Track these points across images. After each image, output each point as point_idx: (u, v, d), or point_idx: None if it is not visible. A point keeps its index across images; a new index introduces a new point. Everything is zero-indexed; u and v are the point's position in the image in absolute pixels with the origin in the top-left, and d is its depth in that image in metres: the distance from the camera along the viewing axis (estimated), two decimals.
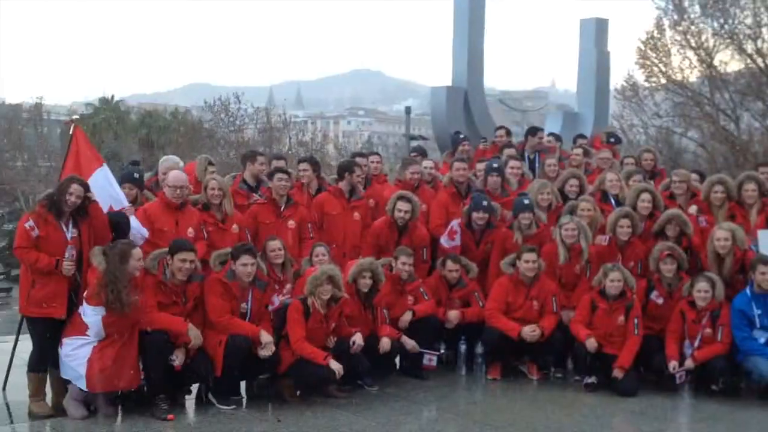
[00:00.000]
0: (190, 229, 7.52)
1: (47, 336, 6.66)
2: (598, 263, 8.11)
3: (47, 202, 6.58)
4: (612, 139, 12.05)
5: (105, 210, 6.97)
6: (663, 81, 28.08)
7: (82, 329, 6.47)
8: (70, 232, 6.65)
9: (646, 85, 29.00)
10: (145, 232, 7.22)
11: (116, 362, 6.41)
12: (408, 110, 36.76)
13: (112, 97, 63.48)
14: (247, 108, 56.12)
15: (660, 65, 27.91)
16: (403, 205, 8.38)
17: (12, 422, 6.52)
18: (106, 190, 7.16)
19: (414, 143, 37.97)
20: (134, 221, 7.16)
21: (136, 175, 8.10)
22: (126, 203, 7.29)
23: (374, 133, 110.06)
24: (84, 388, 6.42)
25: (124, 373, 6.47)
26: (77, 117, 7.98)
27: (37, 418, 6.55)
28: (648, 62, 27.84)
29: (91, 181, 7.00)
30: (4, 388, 7.37)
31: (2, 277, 52.12)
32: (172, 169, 8.29)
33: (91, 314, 6.41)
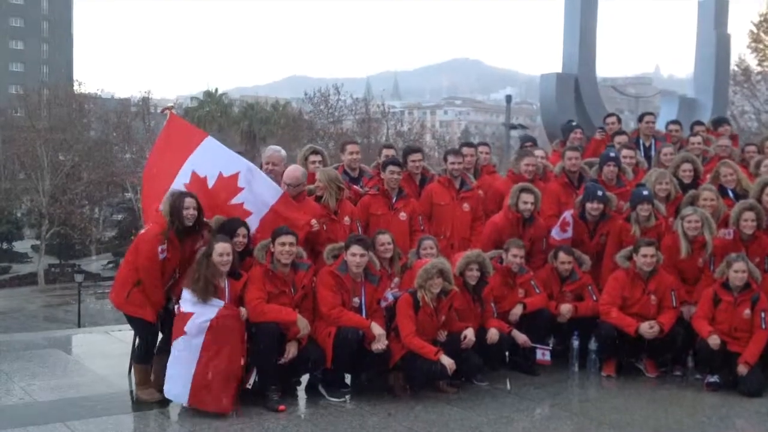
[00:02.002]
0: (314, 221, 7.46)
1: (148, 332, 6.79)
2: (722, 256, 7.69)
3: (175, 228, 6.63)
4: (721, 126, 11.38)
5: (214, 179, 6.98)
6: None
7: (181, 328, 6.48)
8: (181, 251, 6.75)
9: (759, 69, 27.69)
10: (279, 190, 7.30)
11: (221, 378, 6.39)
12: (509, 99, 36.24)
13: (216, 90, 65.01)
14: (346, 99, 56.68)
15: None
16: (527, 197, 8.16)
17: (133, 410, 6.64)
18: (217, 158, 7.16)
19: (514, 132, 37.55)
20: (262, 182, 7.20)
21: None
22: (241, 166, 7.22)
23: (471, 122, 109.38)
24: (185, 403, 6.43)
25: (228, 389, 6.44)
26: (172, 105, 7.98)
27: (146, 405, 6.63)
28: (761, 46, 26.59)
29: (201, 151, 7.05)
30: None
31: (111, 265, 54.35)
32: (268, 156, 8.22)
33: (187, 298, 6.44)
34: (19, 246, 56.92)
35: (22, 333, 13.75)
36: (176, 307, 6.57)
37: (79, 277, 39.79)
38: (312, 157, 8.54)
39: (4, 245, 55.45)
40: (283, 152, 8.36)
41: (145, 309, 6.67)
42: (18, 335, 11.59)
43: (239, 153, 8.83)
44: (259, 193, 7.24)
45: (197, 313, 6.38)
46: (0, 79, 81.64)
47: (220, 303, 6.47)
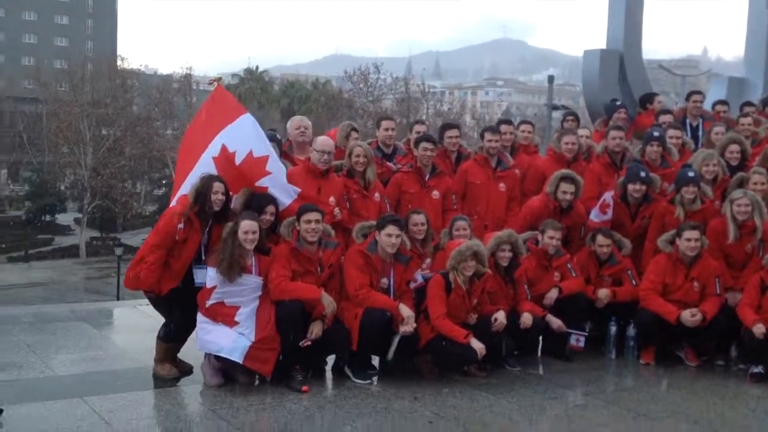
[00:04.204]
0: (332, 198, 7.24)
1: (174, 308, 6.63)
2: None
3: (199, 207, 6.41)
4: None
5: (243, 155, 6.78)
6: None
7: (204, 300, 6.39)
8: (205, 235, 6.54)
9: None
10: (295, 189, 7.03)
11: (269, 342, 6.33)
12: (551, 79, 35.55)
13: (257, 67, 65.30)
14: (386, 78, 56.39)
15: None
16: (567, 187, 7.83)
17: (154, 387, 6.50)
18: (251, 136, 6.95)
19: (556, 114, 36.91)
20: (282, 178, 7.01)
21: (278, 136, 7.90)
22: (269, 150, 7.02)
23: (513, 103, 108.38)
24: (240, 360, 6.27)
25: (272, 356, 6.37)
26: (220, 77, 7.78)
27: (165, 382, 6.51)
28: None
29: (236, 125, 6.86)
30: None
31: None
32: (289, 127, 8.02)
33: (211, 274, 6.32)
34: (62, 219, 57.78)
35: (48, 305, 13.78)
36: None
37: (118, 250, 40.21)
38: (354, 134, 8.35)
39: (48, 218, 56.30)
40: (307, 120, 8.35)
41: (154, 284, 6.47)
42: (45, 307, 11.61)
43: (272, 130, 8.68)
44: (281, 186, 7.01)
45: (227, 290, 6.31)
46: (45, 53, 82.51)
47: (254, 278, 6.39)
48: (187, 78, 62.43)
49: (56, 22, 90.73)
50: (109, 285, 39.32)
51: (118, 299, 32.09)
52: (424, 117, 49.13)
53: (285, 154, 7.97)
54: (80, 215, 52.61)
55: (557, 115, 38.10)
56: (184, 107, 59.74)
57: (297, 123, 8.09)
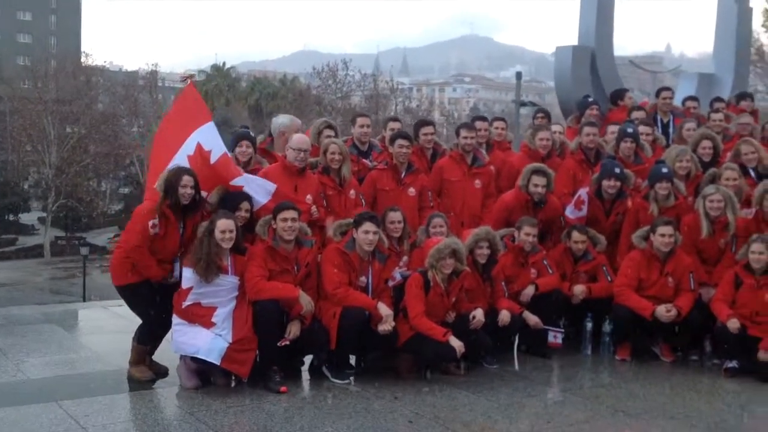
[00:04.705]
0: (309, 196, 7.18)
1: (150, 309, 6.53)
2: (745, 237, 7.39)
3: (170, 201, 6.32)
4: (744, 100, 11.01)
5: (218, 155, 6.72)
6: None
7: (180, 302, 6.31)
8: (181, 229, 6.46)
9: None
10: (272, 186, 6.94)
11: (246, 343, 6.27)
12: (519, 76, 35.76)
13: (224, 64, 64.76)
14: (355, 75, 56.30)
15: None
16: (539, 180, 7.83)
17: (129, 390, 6.40)
18: (218, 139, 6.88)
19: (524, 110, 37.10)
20: (257, 178, 6.95)
21: (252, 134, 7.81)
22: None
23: (480, 100, 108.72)
24: (217, 362, 6.20)
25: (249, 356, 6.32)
26: (194, 74, 7.68)
27: (140, 385, 6.41)
28: None
29: (207, 127, 6.80)
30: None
31: (117, 239, 54.29)
32: (287, 126, 8.02)
33: (187, 275, 6.26)
34: (26, 218, 56.83)
35: (17, 306, 13.51)
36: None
37: (84, 250, 39.70)
38: (327, 131, 8.21)
39: (11, 217, 55.34)
40: (298, 120, 8.38)
41: (127, 275, 6.41)
42: (14, 309, 11.39)
43: (245, 127, 8.58)
44: (257, 185, 6.93)
45: (203, 291, 6.24)
46: (7, 50, 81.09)
47: (231, 278, 6.32)
48: (153, 75, 61.82)
49: (19, 18, 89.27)
50: (74, 285, 38.78)
51: (84, 300, 31.68)
52: (393, 113, 49.12)
53: (263, 151, 7.91)
54: (44, 214, 51.80)
55: (524, 111, 38.34)
56: (150, 104, 59.14)
57: (277, 125, 8.10)
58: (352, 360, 7.03)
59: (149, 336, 6.56)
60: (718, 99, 10.72)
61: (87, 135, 52.30)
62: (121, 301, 8.12)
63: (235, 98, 60.61)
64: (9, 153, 55.17)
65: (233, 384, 6.47)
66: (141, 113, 57.50)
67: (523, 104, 34.90)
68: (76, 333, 8.32)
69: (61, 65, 59.09)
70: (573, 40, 12.78)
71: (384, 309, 6.54)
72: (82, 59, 64.90)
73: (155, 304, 6.51)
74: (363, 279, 6.72)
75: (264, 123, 47.28)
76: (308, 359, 6.97)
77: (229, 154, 6.92)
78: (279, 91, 59.55)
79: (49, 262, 47.37)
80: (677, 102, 10.85)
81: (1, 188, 52.77)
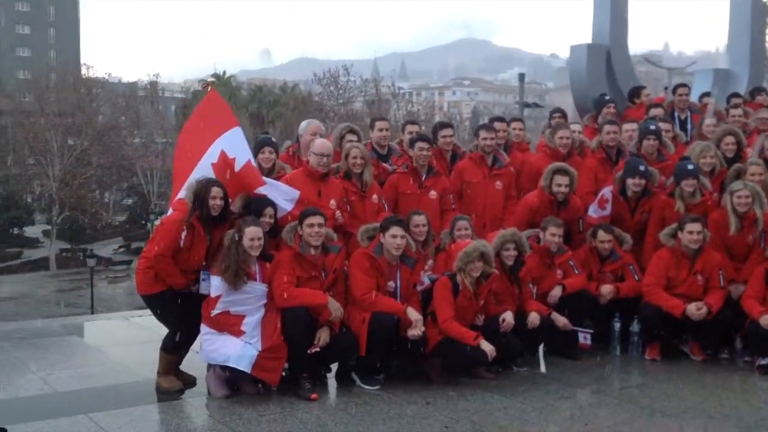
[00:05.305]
0: (332, 201, 7.10)
1: (177, 318, 6.45)
2: None
3: (199, 213, 6.24)
4: (759, 95, 10.95)
5: (243, 163, 6.65)
6: None
7: (209, 310, 6.23)
8: (209, 240, 6.37)
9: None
10: (295, 193, 6.87)
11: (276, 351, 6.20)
12: (522, 77, 35.74)
13: (224, 72, 64.63)
14: (356, 80, 56.26)
15: None
16: (561, 179, 7.74)
17: (158, 400, 6.32)
18: (248, 145, 6.84)
19: (527, 111, 36.99)
20: (281, 185, 6.88)
21: (274, 140, 7.74)
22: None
23: (480, 102, 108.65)
24: (248, 370, 6.12)
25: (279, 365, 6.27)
26: (213, 79, 7.61)
27: (167, 394, 6.33)
28: None
29: (234, 132, 6.74)
30: None
31: (122, 250, 54.23)
32: (303, 129, 8.00)
33: (216, 283, 6.18)
34: (30, 231, 56.81)
35: (37, 319, 13.45)
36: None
37: (91, 262, 39.58)
38: (349, 136, 8.11)
39: (15, 230, 55.32)
40: (323, 128, 8.35)
41: (152, 284, 6.35)
42: (33, 322, 11.30)
43: (265, 133, 8.52)
44: (280, 192, 6.87)
45: (232, 299, 6.16)
46: (7, 64, 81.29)
47: (259, 286, 6.25)
48: (154, 85, 61.84)
49: (18, 32, 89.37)
50: (81, 297, 38.70)
51: (92, 312, 31.59)
52: (394, 118, 49.05)
53: (292, 156, 7.87)
54: (49, 227, 51.76)
55: (528, 113, 38.24)
56: (151, 115, 59.14)
57: (310, 130, 8.06)
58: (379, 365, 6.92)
59: (177, 345, 6.47)
60: (736, 94, 10.65)
61: (89, 147, 52.30)
62: (143, 312, 8.11)
63: (236, 107, 60.50)
64: (12, 166, 55.17)
65: (261, 392, 6.38)
66: (143, 124, 57.48)
67: (527, 105, 34.86)
68: (99, 344, 8.20)
69: (62, 78, 59.13)
70: (571, 40, 12.83)
71: (414, 314, 6.46)
72: (83, 71, 64.93)
73: (182, 313, 6.42)
74: (391, 284, 6.64)
75: (266, 131, 47.33)
76: (334, 365, 6.88)
77: (253, 162, 6.84)
78: (280, 99, 59.46)
79: (54, 275, 47.30)
80: (693, 98, 10.78)
81: (4, 202, 52.77)
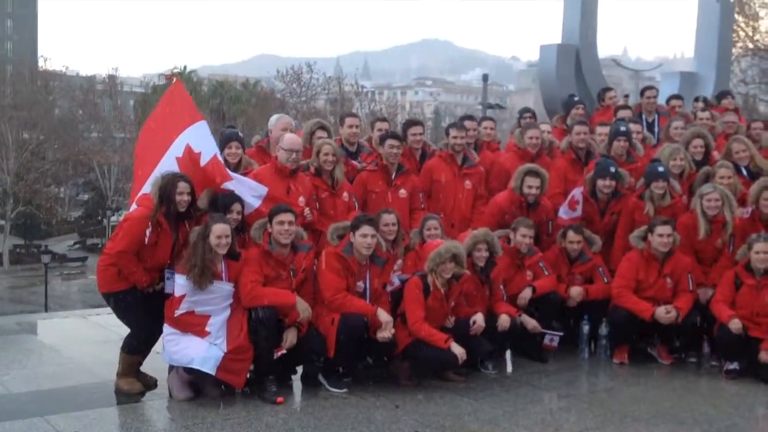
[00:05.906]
0: (302, 198, 6.94)
1: (139, 318, 6.23)
2: (740, 237, 7.32)
3: (165, 209, 6.03)
4: (725, 98, 11.00)
5: (209, 157, 6.44)
6: (750, 46, 26.80)
7: (173, 310, 6.02)
8: (174, 237, 6.16)
9: (732, 50, 27.76)
10: (263, 189, 6.68)
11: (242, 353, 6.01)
12: (485, 78, 35.77)
13: (185, 68, 63.78)
14: (319, 78, 55.90)
15: (747, 30, 26.61)
16: (532, 181, 7.66)
17: (118, 402, 6.09)
18: (213, 140, 6.65)
19: (490, 113, 37.05)
20: (248, 180, 6.69)
21: (240, 134, 7.54)
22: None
23: (442, 103, 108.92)
24: (212, 372, 5.91)
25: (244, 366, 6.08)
26: (178, 71, 7.40)
27: (130, 398, 6.11)
28: (734, 26, 26.62)
29: (199, 126, 6.54)
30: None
31: (78, 246, 53.31)
32: (272, 124, 7.85)
33: (180, 282, 5.97)
34: None
35: None
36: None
37: (46, 258, 38.77)
38: (319, 133, 7.92)
39: None
40: (294, 123, 8.28)
41: (114, 282, 6.10)
42: None
43: (232, 127, 8.34)
44: (247, 188, 6.68)
45: (197, 299, 5.96)
46: None
47: (226, 285, 6.05)
48: (112, 79, 60.76)
49: None
50: (34, 294, 37.92)
51: (46, 309, 30.94)
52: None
53: (261, 150, 7.67)
54: (2, 222, 50.59)
55: (489, 114, 38.31)
56: (109, 109, 58.13)
57: (281, 125, 7.85)
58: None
59: (138, 346, 6.25)
60: (702, 98, 10.68)
61: (45, 141, 51.24)
62: (101, 310, 7.86)
63: (197, 102, 59.66)
64: None
65: (225, 394, 6.19)
66: (100, 118, 56.47)
67: (490, 106, 34.89)
68: (56, 344, 7.91)
69: (18, 70, 57.91)
70: (533, 43, 12.84)
71: (384, 315, 6.32)
72: (40, 64, 63.61)
73: (144, 313, 6.20)
74: (360, 284, 6.48)
75: (232, 125, 46.88)
76: (300, 367, 6.71)
77: (220, 156, 6.64)
78: (242, 95, 58.89)
79: (8, 271, 46.31)
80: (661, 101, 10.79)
81: None
